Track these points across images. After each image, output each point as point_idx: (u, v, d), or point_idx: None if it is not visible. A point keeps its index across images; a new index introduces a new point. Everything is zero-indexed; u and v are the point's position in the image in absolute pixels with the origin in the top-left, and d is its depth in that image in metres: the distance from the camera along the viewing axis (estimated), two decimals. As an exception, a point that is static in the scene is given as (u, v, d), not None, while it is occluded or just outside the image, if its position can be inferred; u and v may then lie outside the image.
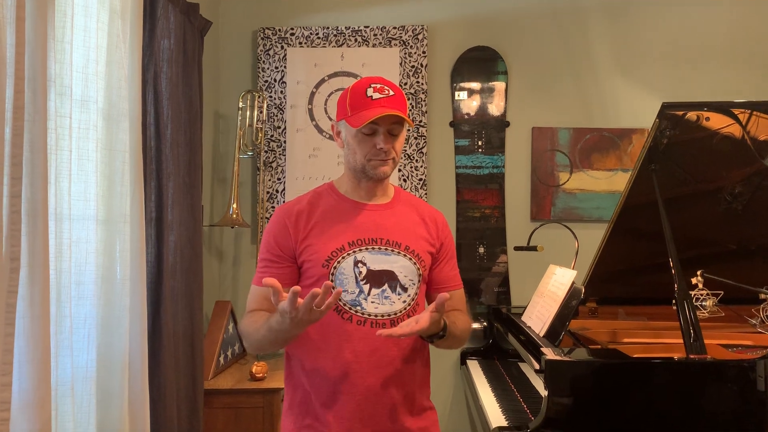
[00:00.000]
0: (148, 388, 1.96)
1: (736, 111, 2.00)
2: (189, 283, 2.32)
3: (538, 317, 2.23)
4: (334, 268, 1.49)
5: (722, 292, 1.96)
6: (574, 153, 3.07)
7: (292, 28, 3.10)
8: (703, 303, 1.93)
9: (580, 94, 3.09)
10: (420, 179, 3.07)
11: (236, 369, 2.71)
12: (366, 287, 1.50)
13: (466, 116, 3.12)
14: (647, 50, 3.07)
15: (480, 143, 3.11)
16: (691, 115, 2.00)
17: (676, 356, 1.77)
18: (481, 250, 3.09)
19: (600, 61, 3.09)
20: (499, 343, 2.82)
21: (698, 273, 1.98)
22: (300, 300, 1.28)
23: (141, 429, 1.91)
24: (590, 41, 3.09)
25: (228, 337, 2.73)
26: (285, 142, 3.09)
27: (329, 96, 3.09)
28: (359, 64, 3.09)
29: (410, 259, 1.54)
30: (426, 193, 3.07)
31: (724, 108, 2.00)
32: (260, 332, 1.44)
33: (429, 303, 1.61)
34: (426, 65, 3.08)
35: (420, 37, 3.08)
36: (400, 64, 3.08)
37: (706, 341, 1.75)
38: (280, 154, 3.09)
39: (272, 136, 3.09)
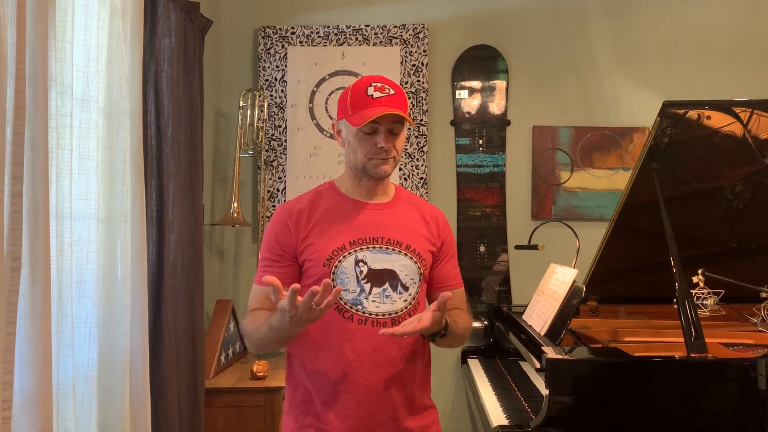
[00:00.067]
0: (149, 387, 1.96)
1: (737, 110, 2.00)
2: (190, 282, 2.33)
3: (539, 316, 2.23)
4: (335, 267, 1.49)
5: (723, 291, 1.96)
6: (575, 152, 3.06)
7: (293, 27, 3.09)
8: (704, 302, 1.93)
9: (581, 92, 3.09)
10: (421, 178, 3.07)
11: (237, 368, 2.72)
12: (367, 286, 1.50)
13: (466, 115, 3.12)
14: (648, 48, 3.07)
15: (481, 142, 3.11)
16: (692, 113, 1.99)
17: (677, 355, 1.77)
18: (482, 248, 3.09)
19: (601, 59, 3.08)
20: (500, 341, 2.82)
21: (699, 272, 1.97)
22: (299, 298, 1.28)
23: (142, 428, 1.91)
24: (591, 40, 3.09)
25: (229, 336, 2.73)
26: (286, 140, 3.09)
27: (330, 95, 3.09)
28: (360, 62, 3.09)
29: (411, 258, 1.54)
30: (427, 192, 3.07)
31: (725, 106, 2.00)
32: (261, 331, 1.44)
33: (429, 302, 1.61)
34: (427, 64, 3.08)
35: (421, 35, 3.08)
36: (401, 62, 3.08)
37: (707, 340, 1.75)
38: (280, 153, 3.09)
39: (273, 135, 3.09)
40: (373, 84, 1.49)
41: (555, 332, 2.02)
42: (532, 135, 3.09)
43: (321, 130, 3.10)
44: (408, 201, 1.64)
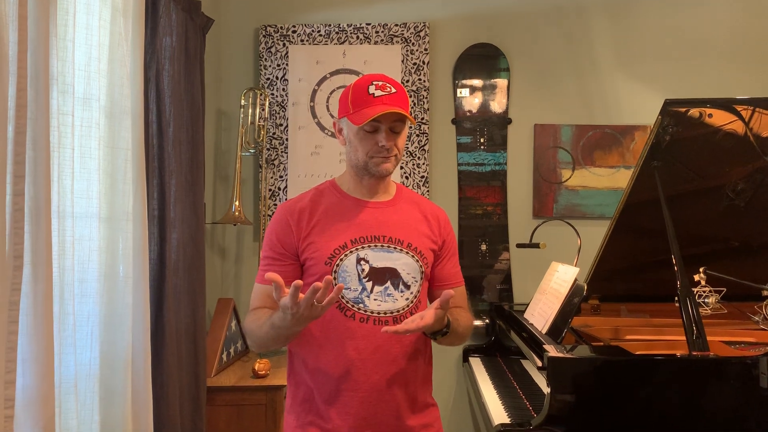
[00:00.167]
0: (151, 386, 1.97)
1: (739, 108, 2.00)
2: (191, 281, 2.33)
3: (540, 314, 2.23)
4: (337, 265, 1.49)
5: (725, 289, 1.96)
6: (577, 150, 3.06)
7: (294, 26, 3.09)
8: (706, 300, 1.93)
9: (583, 90, 3.09)
10: (422, 176, 3.07)
11: (239, 366, 2.72)
12: (369, 285, 1.50)
13: (468, 113, 3.12)
14: (650, 47, 3.07)
15: (482, 140, 3.11)
16: (694, 111, 1.99)
17: (678, 353, 1.77)
18: (484, 247, 3.09)
19: (602, 57, 3.08)
20: (502, 340, 2.82)
21: (701, 270, 1.97)
22: (301, 295, 1.28)
23: (144, 426, 1.91)
24: (592, 38, 3.08)
25: (230, 334, 2.74)
26: (287, 139, 3.09)
27: (331, 93, 3.09)
28: (361, 61, 3.09)
29: (413, 256, 1.54)
30: (428, 191, 3.07)
31: (727, 105, 2.00)
32: (263, 329, 1.44)
33: (431, 300, 1.61)
34: (428, 62, 3.08)
35: (422, 34, 3.07)
36: (402, 61, 3.08)
37: (708, 338, 1.75)
38: (282, 152, 3.09)
39: (274, 133, 3.09)
40: (374, 82, 1.49)
41: (556, 330, 2.02)
42: (534, 133, 3.09)
43: (322, 128, 3.10)
44: (409, 199, 1.64)
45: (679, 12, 3.06)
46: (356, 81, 1.53)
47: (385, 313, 1.50)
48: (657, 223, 1.99)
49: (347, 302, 1.49)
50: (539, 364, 1.80)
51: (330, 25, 3.08)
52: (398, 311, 1.51)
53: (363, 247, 1.51)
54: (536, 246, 2.71)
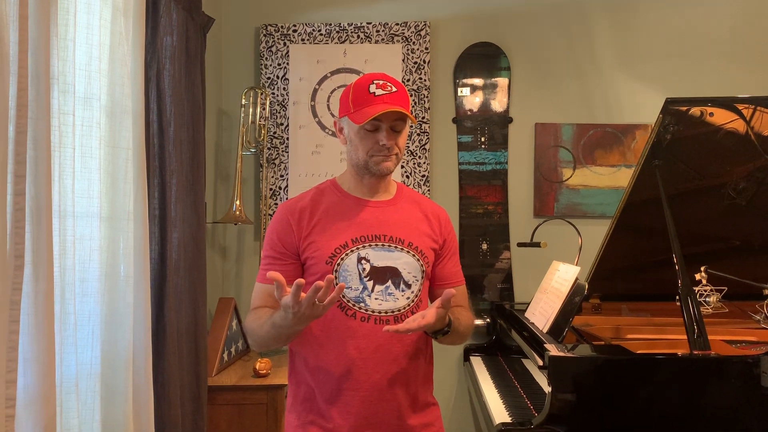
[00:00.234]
0: (152, 385, 1.97)
1: (740, 106, 1.99)
2: (192, 280, 2.33)
3: (541, 313, 2.23)
4: (338, 265, 1.49)
5: (726, 288, 1.96)
6: (578, 149, 3.06)
7: (295, 25, 3.09)
8: (707, 299, 1.93)
9: (584, 89, 3.09)
10: (423, 176, 3.07)
11: (240, 366, 2.72)
12: (369, 284, 1.50)
13: (468, 112, 3.12)
14: (650, 46, 3.06)
15: (483, 139, 3.11)
16: (695, 110, 1.99)
17: (679, 352, 1.77)
18: (484, 246, 3.08)
19: (603, 56, 3.08)
20: (503, 339, 2.82)
21: (702, 269, 1.97)
22: (303, 294, 1.28)
23: (145, 425, 1.91)
24: (593, 37, 3.08)
25: (231, 333, 2.74)
26: (288, 138, 3.09)
27: (332, 93, 3.09)
28: (362, 60, 3.09)
29: (413, 255, 1.54)
30: (429, 190, 3.07)
31: (728, 103, 1.99)
32: (264, 329, 1.44)
33: (431, 299, 1.61)
34: (428, 61, 3.07)
35: (422, 33, 3.07)
36: (403, 60, 3.08)
37: (709, 337, 1.75)
38: (282, 151, 3.09)
39: (275, 132, 3.09)
40: (375, 81, 1.49)
41: (557, 330, 2.02)
42: (535, 132, 3.09)
43: (323, 127, 3.10)
44: (410, 198, 1.64)
45: (680, 11, 3.06)
46: (357, 80, 1.53)
47: (386, 313, 1.50)
48: (658, 222, 1.99)
49: (348, 301, 1.49)
50: (540, 363, 1.80)
51: (331, 25, 3.08)
52: (399, 310, 1.51)
53: (364, 247, 1.51)
54: (537, 245, 2.71)
